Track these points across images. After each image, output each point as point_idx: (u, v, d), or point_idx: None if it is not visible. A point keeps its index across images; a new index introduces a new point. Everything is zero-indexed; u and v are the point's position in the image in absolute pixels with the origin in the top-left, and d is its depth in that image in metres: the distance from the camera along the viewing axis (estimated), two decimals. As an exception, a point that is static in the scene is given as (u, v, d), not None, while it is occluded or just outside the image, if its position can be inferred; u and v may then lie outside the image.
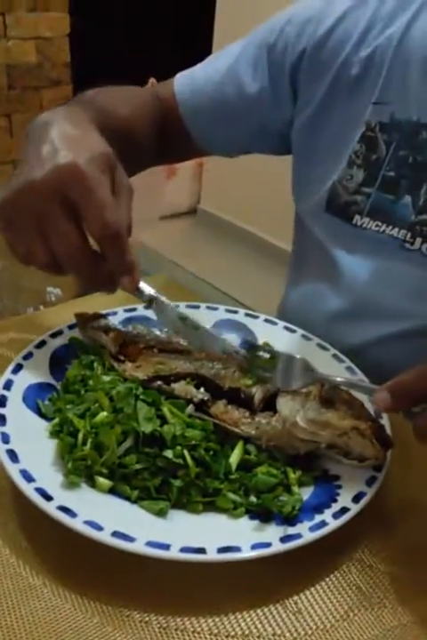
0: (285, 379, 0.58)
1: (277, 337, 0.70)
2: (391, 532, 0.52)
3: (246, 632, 0.43)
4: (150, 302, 0.63)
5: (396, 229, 0.73)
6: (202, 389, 0.58)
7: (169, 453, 0.50)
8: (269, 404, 0.57)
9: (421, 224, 0.71)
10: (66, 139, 0.58)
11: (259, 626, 0.44)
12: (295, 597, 0.46)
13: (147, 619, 0.43)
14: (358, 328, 0.76)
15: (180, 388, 0.58)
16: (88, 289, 0.60)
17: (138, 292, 0.61)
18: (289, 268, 0.94)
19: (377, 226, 0.74)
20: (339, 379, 0.57)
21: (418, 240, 0.71)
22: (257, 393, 0.58)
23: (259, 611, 0.45)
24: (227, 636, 0.43)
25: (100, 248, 0.56)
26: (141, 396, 0.55)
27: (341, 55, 0.78)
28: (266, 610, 0.45)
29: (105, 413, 0.53)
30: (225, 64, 0.85)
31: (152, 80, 4.00)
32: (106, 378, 0.58)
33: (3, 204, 0.57)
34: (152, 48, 4.13)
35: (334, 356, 0.68)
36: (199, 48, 3.27)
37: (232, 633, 0.43)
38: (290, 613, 0.45)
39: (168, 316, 0.64)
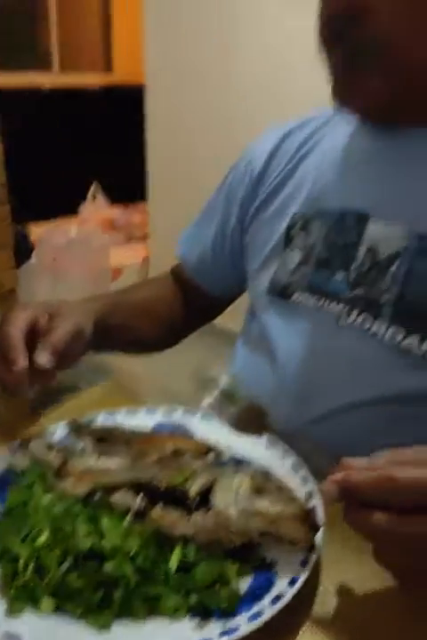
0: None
1: (214, 431, 0.73)
2: (330, 611, 0.54)
3: None
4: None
5: (333, 303, 0.78)
6: (140, 495, 0.60)
7: (109, 566, 0.52)
8: (205, 500, 0.60)
9: (355, 299, 0.76)
10: None
11: None
12: None
13: None
14: (300, 406, 0.80)
15: (118, 498, 0.60)
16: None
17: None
18: (234, 352, 0.99)
19: (315, 301, 0.80)
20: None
21: (354, 313, 0.76)
22: (191, 489, 0.60)
23: None
24: None
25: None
26: (80, 514, 0.57)
27: (276, 177, 0.91)
28: None
29: (45, 536, 0.55)
30: (209, 219, 1.01)
31: (95, 183, 4.15)
32: (45, 499, 0.60)
33: None
34: (87, 156, 4.29)
35: (269, 442, 0.72)
36: (132, 150, 3.42)
37: None
38: None
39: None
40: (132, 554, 0.53)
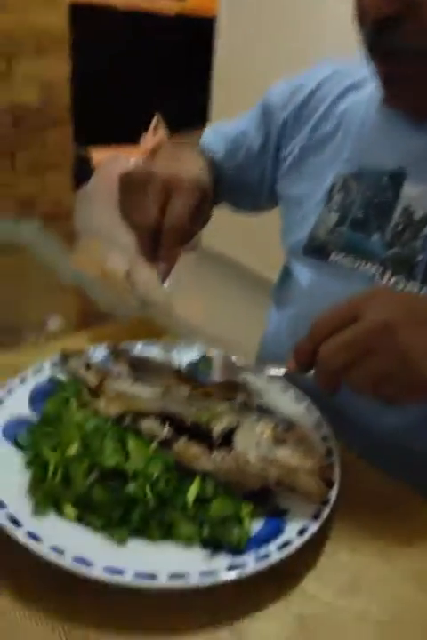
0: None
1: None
2: (336, 564, 0.57)
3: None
4: None
5: (369, 265, 0.79)
6: (167, 426, 0.63)
7: (131, 487, 0.55)
8: (228, 440, 0.62)
9: (390, 259, 0.77)
10: (186, 162, 0.79)
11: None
12: (241, 623, 0.50)
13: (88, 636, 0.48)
14: None
15: (146, 425, 0.63)
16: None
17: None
18: (271, 304, 1.00)
19: (351, 262, 0.81)
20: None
21: (387, 274, 0.77)
22: (216, 428, 0.62)
23: (205, 634, 0.49)
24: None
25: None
26: (109, 433, 0.60)
27: (320, 109, 0.90)
28: (212, 634, 0.49)
29: (74, 448, 0.58)
30: (241, 125, 1.00)
31: (158, 115, 4.13)
32: (79, 414, 0.63)
33: (138, 171, 0.74)
34: (153, 83, 4.26)
35: (296, 396, 0.73)
36: (198, 85, 3.38)
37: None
38: (236, 637, 0.49)
39: None
40: (153, 479, 0.56)
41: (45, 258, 1.19)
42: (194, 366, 0.76)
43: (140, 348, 0.79)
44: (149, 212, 0.71)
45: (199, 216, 0.75)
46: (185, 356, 0.78)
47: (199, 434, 0.62)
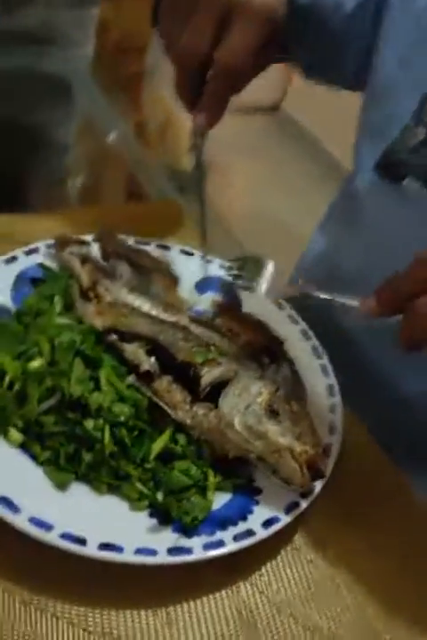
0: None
1: (256, 302, 0.65)
2: (299, 562, 0.50)
3: (107, 630, 0.43)
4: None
5: None
6: (152, 359, 0.55)
7: (90, 424, 0.49)
8: (217, 394, 0.54)
9: None
10: None
11: (123, 629, 0.43)
12: (170, 608, 0.45)
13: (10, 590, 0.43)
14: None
15: (131, 350, 0.56)
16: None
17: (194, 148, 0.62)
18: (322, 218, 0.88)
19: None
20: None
21: None
22: (206, 375, 0.54)
23: (128, 613, 0.44)
24: (87, 632, 0.43)
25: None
26: (83, 352, 0.53)
27: None
28: (135, 614, 0.44)
29: (39, 362, 0.51)
30: None
31: None
32: (59, 320, 0.56)
33: None
34: None
35: (303, 331, 0.65)
36: None
37: (90, 629, 0.43)
38: (159, 623, 0.44)
39: None
40: (117, 421, 0.49)
41: (93, 110, 1.07)
42: (236, 268, 0.62)
43: (151, 249, 0.69)
44: (198, 36, 0.55)
45: (262, 60, 0.59)
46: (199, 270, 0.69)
47: (187, 376, 0.55)
